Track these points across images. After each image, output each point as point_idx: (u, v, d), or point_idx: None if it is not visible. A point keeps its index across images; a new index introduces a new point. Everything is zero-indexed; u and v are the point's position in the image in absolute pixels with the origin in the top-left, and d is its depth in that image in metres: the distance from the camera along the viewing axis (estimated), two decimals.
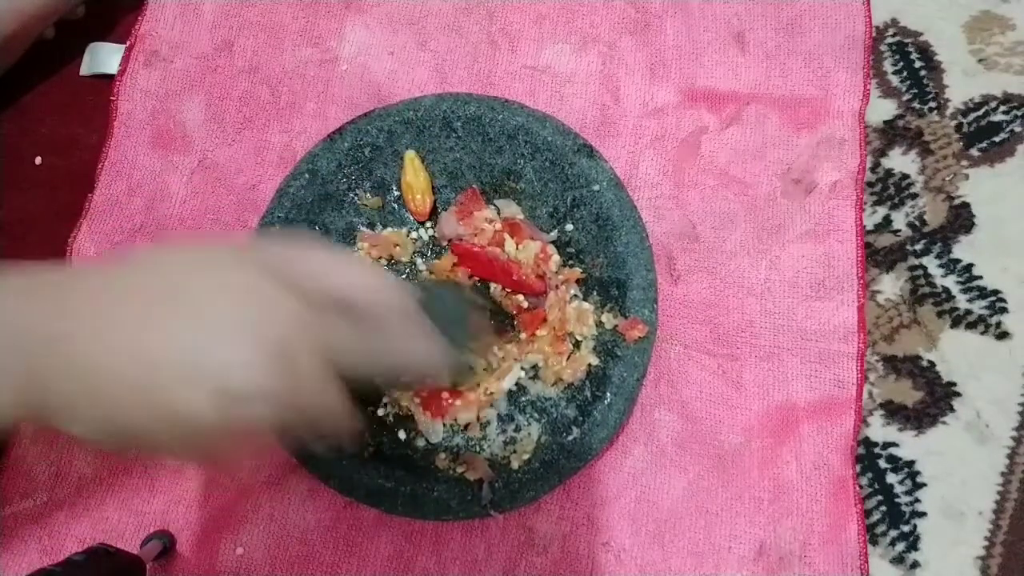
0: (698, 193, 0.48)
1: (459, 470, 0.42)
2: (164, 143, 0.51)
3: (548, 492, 0.41)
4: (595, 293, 0.45)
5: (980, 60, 0.51)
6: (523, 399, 0.45)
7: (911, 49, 0.52)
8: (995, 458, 0.45)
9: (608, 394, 0.42)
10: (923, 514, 0.44)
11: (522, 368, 0.45)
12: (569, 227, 0.46)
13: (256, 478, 0.45)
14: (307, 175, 0.45)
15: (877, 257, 0.48)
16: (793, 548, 0.43)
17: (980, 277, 0.47)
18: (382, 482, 0.41)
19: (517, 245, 0.46)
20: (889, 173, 0.50)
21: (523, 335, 0.45)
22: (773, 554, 0.43)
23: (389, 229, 0.48)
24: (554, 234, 0.46)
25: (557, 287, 0.45)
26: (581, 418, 0.42)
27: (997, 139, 0.50)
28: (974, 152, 0.50)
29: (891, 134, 0.50)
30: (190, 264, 0.30)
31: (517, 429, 0.44)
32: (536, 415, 0.44)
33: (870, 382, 0.46)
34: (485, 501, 0.40)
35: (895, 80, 0.51)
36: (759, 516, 0.43)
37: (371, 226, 0.48)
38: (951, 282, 0.47)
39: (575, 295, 0.46)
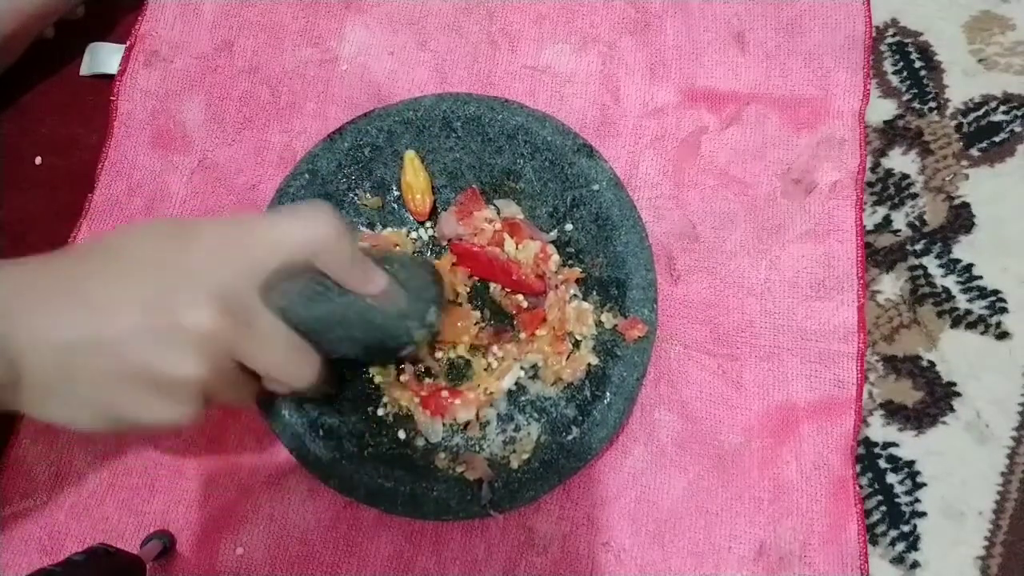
0: (698, 193, 0.48)
1: (459, 470, 0.42)
2: (164, 143, 0.51)
3: (548, 492, 0.41)
4: (595, 293, 0.45)
5: (980, 60, 0.51)
6: (523, 399, 0.45)
7: (911, 49, 0.52)
8: (995, 458, 0.45)
9: (608, 394, 0.42)
10: (923, 514, 0.44)
11: (522, 368, 0.45)
12: (569, 227, 0.46)
13: (256, 478, 0.45)
14: (307, 175, 0.45)
15: (877, 257, 0.48)
16: (793, 548, 0.43)
17: (980, 277, 0.47)
18: (382, 482, 0.41)
19: (517, 245, 0.46)
20: (889, 173, 0.50)
21: (523, 335, 0.45)
22: (773, 554, 0.43)
23: (389, 229, 0.48)
24: (554, 234, 0.46)
25: (557, 287, 0.45)
26: (581, 418, 0.42)
27: (997, 139, 0.50)
28: (974, 152, 0.50)
29: (891, 134, 0.50)
30: (133, 233, 0.33)
31: (517, 429, 0.44)
32: (536, 415, 0.44)
33: (870, 382, 0.46)
34: (485, 501, 0.40)
35: (895, 80, 0.51)
36: (759, 516, 0.43)
37: (371, 226, 0.48)
38: (951, 282, 0.47)
39: (575, 295, 0.46)
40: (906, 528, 0.44)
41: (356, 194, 0.47)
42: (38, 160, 0.52)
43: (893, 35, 0.52)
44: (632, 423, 0.45)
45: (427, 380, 0.45)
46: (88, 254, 0.32)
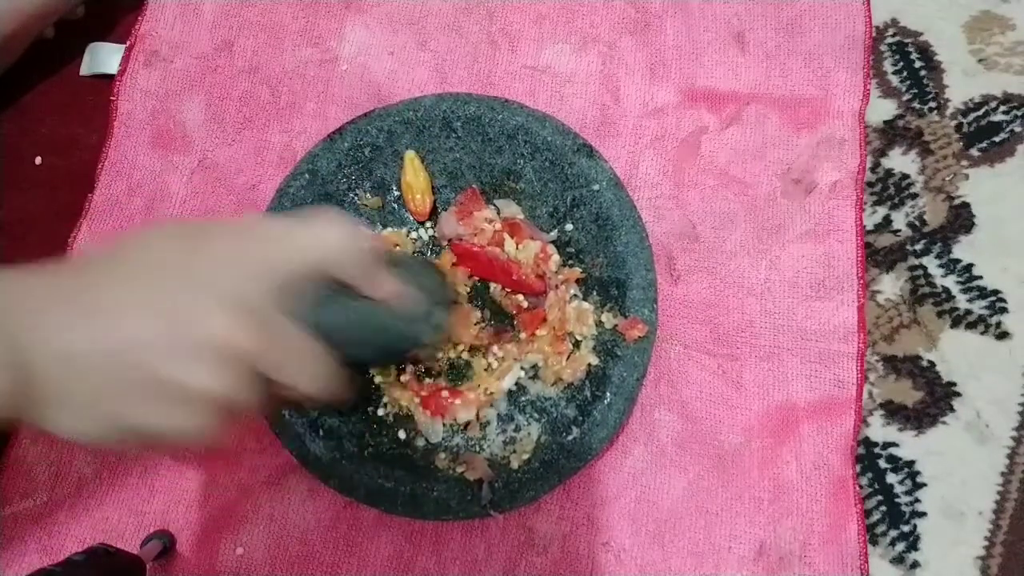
0: (698, 193, 0.48)
1: (459, 470, 0.42)
2: (164, 143, 0.51)
3: (548, 492, 0.41)
4: (595, 293, 0.45)
5: (980, 60, 0.51)
6: (523, 399, 0.45)
7: (911, 49, 0.52)
8: (995, 458, 0.45)
9: (608, 394, 0.42)
10: (923, 514, 0.44)
11: (522, 368, 0.45)
12: (569, 227, 0.46)
13: (256, 478, 0.45)
14: (307, 175, 0.45)
15: (877, 257, 0.48)
16: (793, 548, 0.43)
17: (980, 277, 0.47)
18: (382, 482, 0.41)
19: (517, 245, 0.46)
20: (889, 173, 0.50)
21: (523, 335, 0.45)
22: (773, 554, 0.43)
23: (389, 229, 0.48)
24: (554, 234, 0.46)
25: (557, 287, 0.45)
26: (581, 418, 0.42)
27: (997, 139, 0.50)
28: (974, 152, 0.50)
29: (891, 134, 0.50)
30: (147, 239, 0.32)
31: (517, 429, 0.44)
32: (536, 415, 0.44)
33: (870, 382, 0.46)
34: (485, 501, 0.40)
35: (895, 80, 0.51)
36: (759, 516, 0.43)
37: (371, 226, 0.48)
38: (951, 282, 0.47)
39: (575, 295, 0.46)
40: (906, 528, 0.44)
41: (356, 194, 0.47)
42: (38, 160, 0.52)
43: (893, 35, 0.52)
44: (632, 423, 0.45)
45: (427, 380, 0.45)
46: (102, 262, 0.31)
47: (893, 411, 0.46)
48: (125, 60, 0.52)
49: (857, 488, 0.43)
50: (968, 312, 0.47)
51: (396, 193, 0.48)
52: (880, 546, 0.44)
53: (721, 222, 0.48)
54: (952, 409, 0.45)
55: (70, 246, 0.49)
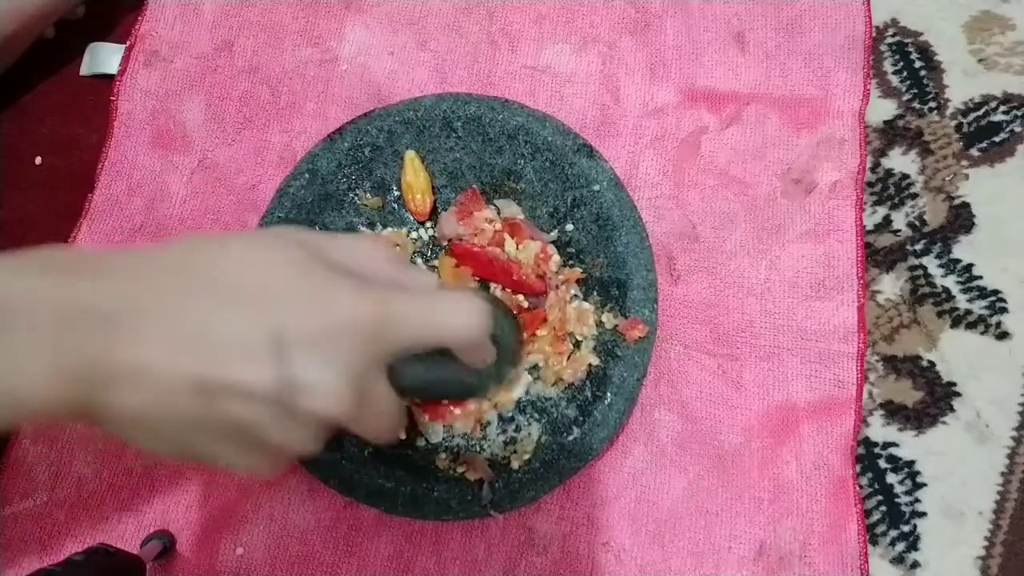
0: (698, 193, 0.48)
1: (459, 470, 0.42)
2: (164, 143, 0.51)
3: (548, 492, 0.41)
4: (595, 293, 0.45)
5: (980, 60, 0.51)
6: (523, 399, 0.45)
7: (911, 49, 0.52)
8: (995, 458, 0.45)
9: (608, 394, 0.42)
10: (923, 514, 0.44)
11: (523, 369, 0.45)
12: (569, 227, 0.46)
13: (256, 478, 0.45)
14: (307, 175, 0.45)
15: (877, 257, 0.48)
16: (793, 548, 0.43)
17: (980, 277, 0.47)
18: (382, 482, 0.41)
19: (517, 245, 0.46)
20: (889, 173, 0.50)
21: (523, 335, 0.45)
22: (773, 554, 0.43)
23: (389, 229, 0.48)
24: (554, 234, 0.46)
25: (557, 287, 0.45)
26: (581, 418, 0.42)
27: (997, 139, 0.50)
28: (974, 152, 0.50)
29: (891, 134, 0.50)
30: (247, 251, 0.28)
31: (517, 429, 0.44)
32: (536, 415, 0.44)
33: (870, 382, 0.46)
34: (485, 501, 0.40)
35: (895, 80, 0.51)
36: (759, 516, 0.43)
37: (371, 226, 0.48)
38: (951, 282, 0.47)
39: (575, 295, 0.46)
40: (906, 528, 0.44)
41: (356, 194, 0.47)
42: (38, 160, 0.52)
43: (893, 35, 0.52)
44: (632, 423, 0.45)
45: None
46: (204, 265, 0.27)
47: (893, 411, 0.46)
48: (125, 60, 0.52)
49: (857, 488, 0.43)
50: (968, 312, 0.47)
51: (396, 193, 0.48)
52: (880, 546, 0.44)
53: (721, 222, 0.48)
54: (952, 409, 0.45)
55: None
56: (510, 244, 0.46)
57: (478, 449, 0.44)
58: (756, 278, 0.47)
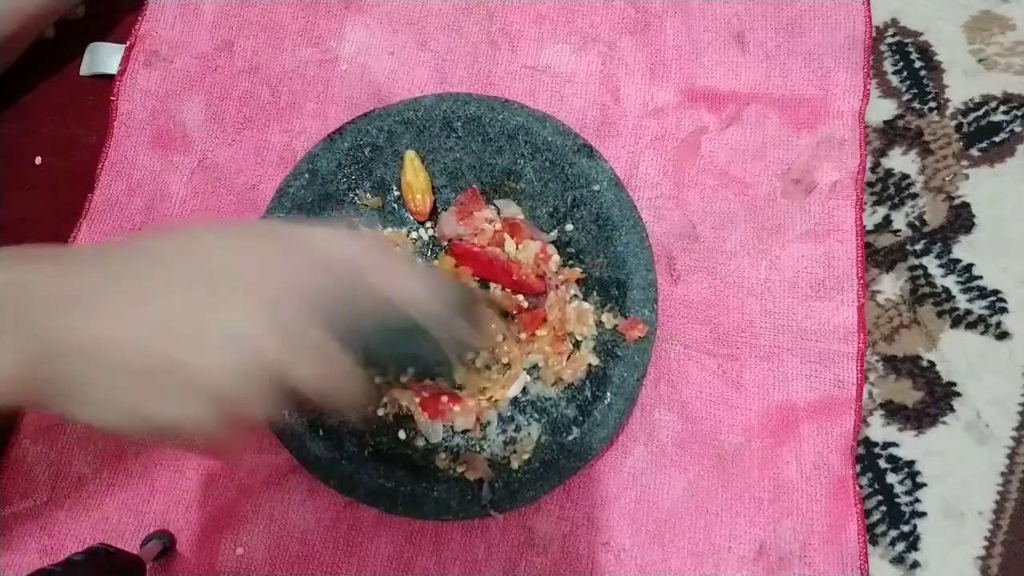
0: (698, 193, 0.48)
1: (459, 470, 0.42)
2: (164, 143, 0.51)
3: (548, 492, 0.41)
4: (595, 293, 0.45)
5: (980, 60, 0.51)
6: (523, 399, 0.45)
7: (911, 49, 0.52)
8: (995, 458, 0.45)
9: (608, 394, 0.42)
10: (923, 514, 0.44)
11: (523, 369, 0.45)
12: (569, 227, 0.46)
13: (256, 478, 0.45)
14: (307, 175, 0.45)
15: (877, 257, 0.48)
16: (793, 548, 0.43)
17: (980, 277, 0.47)
18: (382, 482, 0.41)
19: (517, 245, 0.46)
20: (889, 173, 0.50)
21: (523, 335, 0.45)
22: (773, 554, 0.43)
23: (389, 229, 0.48)
24: (554, 234, 0.46)
25: (557, 287, 0.45)
26: (581, 418, 0.42)
27: (997, 139, 0.50)
28: (974, 152, 0.50)
29: (891, 134, 0.50)
30: (196, 236, 0.31)
31: (517, 429, 0.44)
32: (536, 415, 0.44)
33: (870, 382, 0.46)
34: (485, 501, 0.40)
35: (895, 80, 0.51)
36: (759, 516, 0.43)
37: (371, 226, 0.48)
38: (951, 282, 0.47)
39: (575, 295, 0.46)
40: (906, 528, 0.44)
41: (356, 194, 0.47)
42: (38, 160, 0.52)
43: (893, 35, 0.52)
44: (632, 423, 0.45)
45: (428, 381, 0.45)
46: (136, 252, 0.30)
47: (893, 411, 0.46)
48: (125, 60, 0.52)
49: (857, 488, 0.43)
50: (968, 312, 0.47)
51: (396, 193, 0.48)
52: (880, 546, 0.44)
53: (721, 222, 0.48)
54: (952, 409, 0.45)
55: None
56: (510, 244, 0.46)
57: (478, 449, 0.44)
58: (756, 278, 0.47)
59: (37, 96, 0.53)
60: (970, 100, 0.51)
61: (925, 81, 0.51)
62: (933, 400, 0.46)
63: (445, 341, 0.35)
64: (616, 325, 0.43)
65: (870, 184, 0.49)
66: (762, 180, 0.48)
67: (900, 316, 0.47)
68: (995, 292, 0.47)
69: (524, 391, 0.45)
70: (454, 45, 0.52)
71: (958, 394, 0.46)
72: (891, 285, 0.48)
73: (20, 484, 0.45)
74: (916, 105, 0.51)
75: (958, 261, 0.48)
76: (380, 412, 0.45)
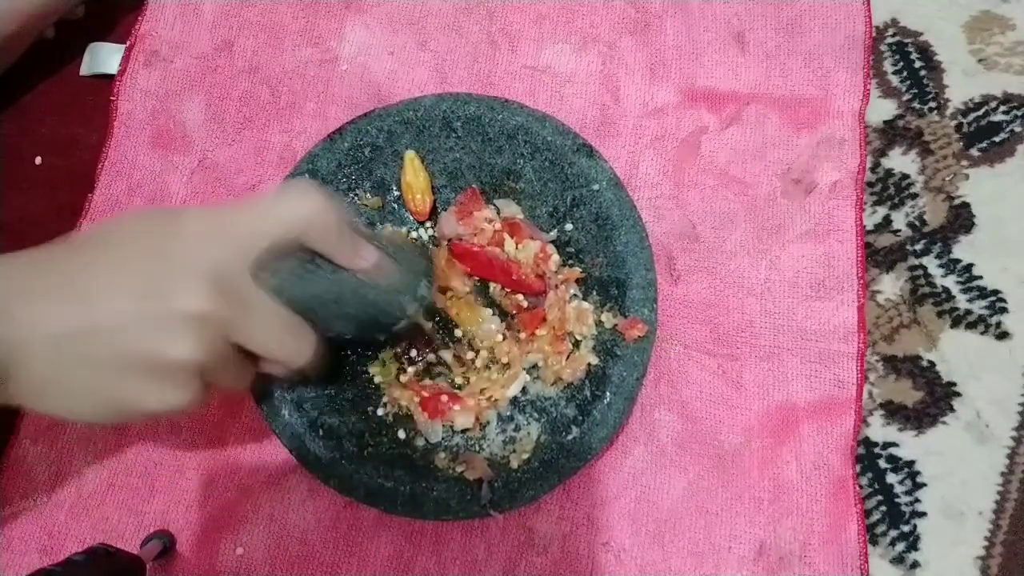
0: (698, 193, 0.48)
1: (458, 469, 0.42)
2: (164, 143, 0.51)
3: (548, 492, 0.41)
4: (595, 293, 0.45)
5: (980, 60, 0.51)
6: (523, 399, 0.45)
7: (911, 49, 0.52)
8: (995, 458, 0.45)
9: (608, 393, 0.42)
10: (923, 514, 0.44)
11: (523, 369, 0.45)
12: (569, 227, 0.46)
13: (256, 478, 0.45)
14: (307, 175, 0.45)
15: (877, 257, 0.48)
16: (793, 548, 0.43)
17: (980, 277, 0.47)
18: (382, 482, 0.41)
19: (517, 245, 0.46)
20: (889, 173, 0.50)
21: (523, 335, 0.45)
22: (773, 554, 0.43)
23: (389, 227, 0.48)
24: (554, 234, 0.46)
25: (557, 287, 0.45)
26: (581, 417, 0.42)
27: (997, 139, 0.50)
28: (974, 152, 0.50)
29: (891, 134, 0.50)
30: (122, 223, 0.33)
31: (517, 429, 0.44)
32: (536, 415, 0.44)
33: (870, 382, 0.46)
34: (485, 501, 0.40)
35: (895, 80, 0.51)
36: (759, 516, 0.43)
37: (371, 226, 0.48)
38: (951, 282, 0.47)
39: (575, 295, 0.46)
40: (906, 528, 0.44)
41: (356, 194, 0.47)
42: (38, 160, 0.52)
43: (893, 35, 0.52)
44: (632, 423, 0.45)
45: (428, 380, 0.45)
46: (79, 246, 0.33)
47: (893, 411, 0.46)
48: (125, 60, 0.52)
49: (857, 488, 0.43)
50: (968, 312, 0.47)
51: (396, 193, 0.48)
52: (880, 546, 0.44)
53: (721, 222, 0.48)
54: (952, 409, 0.45)
55: None
56: (510, 244, 0.46)
57: (477, 448, 0.44)
58: (756, 278, 0.47)
59: (37, 96, 0.53)
60: (970, 100, 0.51)
61: (925, 81, 0.51)
62: (933, 400, 0.46)
63: (396, 288, 0.37)
64: (616, 325, 0.43)
65: (870, 184, 0.49)
66: (762, 180, 0.48)
67: (900, 316, 0.47)
68: (995, 292, 0.47)
69: (524, 391, 0.45)
70: (454, 45, 0.52)
71: (958, 394, 0.46)
72: (891, 285, 0.48)
73: (20, 484, 0.45)
74: (916, 105, 0.51)
75: (958, 261, 0.48)
76: (380, 412, 0.45)
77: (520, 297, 0.45)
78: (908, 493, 0.44)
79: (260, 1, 0.53)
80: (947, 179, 0.49)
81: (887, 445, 0.45)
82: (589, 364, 0.43)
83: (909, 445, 0.45)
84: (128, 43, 0.52)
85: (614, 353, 0.43)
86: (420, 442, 0.44)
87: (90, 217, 0.49)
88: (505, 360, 0.45)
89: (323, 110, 0.51)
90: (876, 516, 0.44)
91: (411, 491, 0.41)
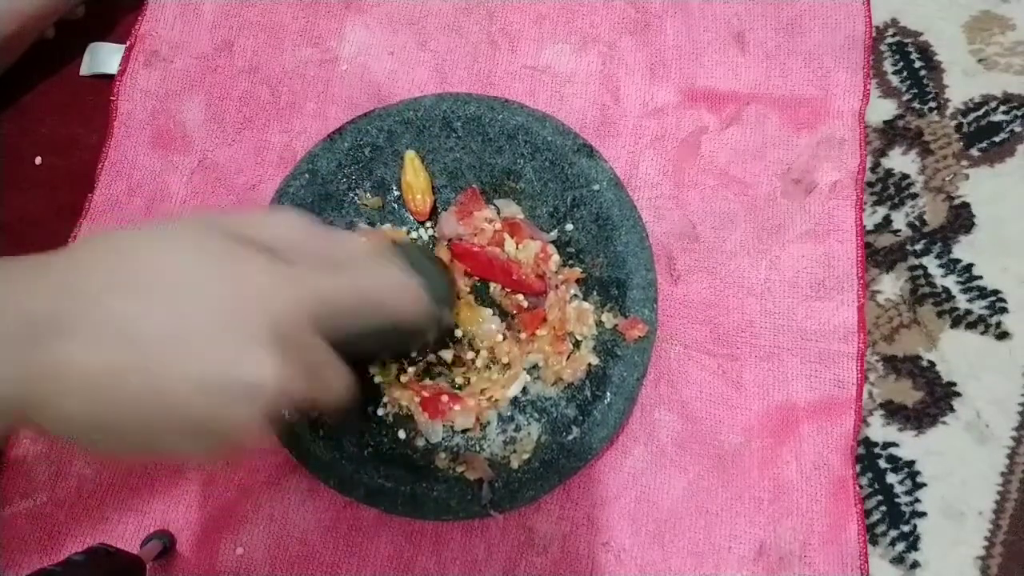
0: (698, 193, 0.48)
1: (459, 470, 0.42)
2: (164, 143, 0.51)
3: (548, 492, 0.41)
4: (595, 293, 0.45)
5: (980, 60, 0.51)
6: (523, 399, 0.45)
7: (911, 49, 0.52)
8: (995, 458, 0.45)
9: (608, 394, 0.42)
10: (923, 514, 0.44)
11: (523, 369, 0.45)
12: (569, 227, 0.46)
13: (256, 478, 0.45)
14: (307, 175, 0.46)
15: (877, 257, 0.48)
16: (793, 548, 0.43)
17: (980, 277, 0.47)
18: (382, 482, 0.41)
19: (517, 245, 0.46)
20: (889, 173, 0.50)
21: (523, 335, 0.45)
22: (773, 554, 0.43)
23: (388, 226, 0.48)
24: (554, 234, 0.46)
25: (557, 287, 0.45)
26: (581, 418, 0.42)
27: (997, 139, 0.50)
28: (974, 152, 0.50)
29: (891, 134, 0.50)
30: (163, 244, 0.29)
31: (517, 429, 0.44)
32: (536, 415, 0.44)
33: (870, 382, 0.46)
34: (485, 501, 0.40)
35: (895, 80, 0.51)
36: (759, 516, 0.43)
37: (371, 226, 0.48)
38: (951, 282, 0.47)
39: (575, 295, 0.46)
40: (906, 528, 0.44)
41: (356, 194, 0.47)
42: (38, 160, 0.52)
43: (893, 35, 0.52)
44: (632, 423, 0.45)
45: (428, 380, 0.45)
46: (123, 271, 0.28)
47: (893, 411, 0.46)
48: (125, 60, 0.52)
49: (857, 488, 0.43)
50: (968, 312, 0.47)
51: (396, 193, 0.48)
52: (880, 546, 0.44)
53: (721, 222, 0.48)
54: (952, 409, 0.45)
55: None
56: (510, 244, 0.46)
57: (477, 449, 0.44)
58: (756, 278, 0.47)
59: (37, 96, 0.53)
60: (970, 100, 0.51)
61: (925, 81, 0.51)
62: (933, 400, 0.46)
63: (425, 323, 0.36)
64: (616, 325, 0.43)
65: (870, 184, 0.49)
66: (762, 180, 0.48)
67: (900, 316, 0.47)
68: (995, 292, 0.47)
69: (524, 391, 0.45)
70: (454, 45, 0.52)
71: (958, 394, 0.46)
72: (891, 285, 0.48)
73: (20, 484, 0.45)
74: (916, 105, 0.51)
75: (958, 261, 0.48)
76: (380, 412, 0.45)
77: (520, 297, 0.45)
78: (908, 493, 0.44)
79: (260, 1, 0.53)
80: (947, 179, 0.49)
81: (887, 445, 0.45)
82: (589, 364, 0.43)
83: (909, 445, 0.45)
84: (128, 43, 0.52)
85: (614, 353, 0.43)
86: (420, 442, 0.44)
87: (90, 217, 0.49)
88: (505, 360, 0.45)
89: (323, 110, 0.51)
90: (876, 516, 0.44)
91: (411, 491, 0.41)
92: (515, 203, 0.47)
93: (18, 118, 0.52)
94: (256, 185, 0.50)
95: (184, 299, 0.27)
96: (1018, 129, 0.50)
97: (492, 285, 0.46)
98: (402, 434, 0.44)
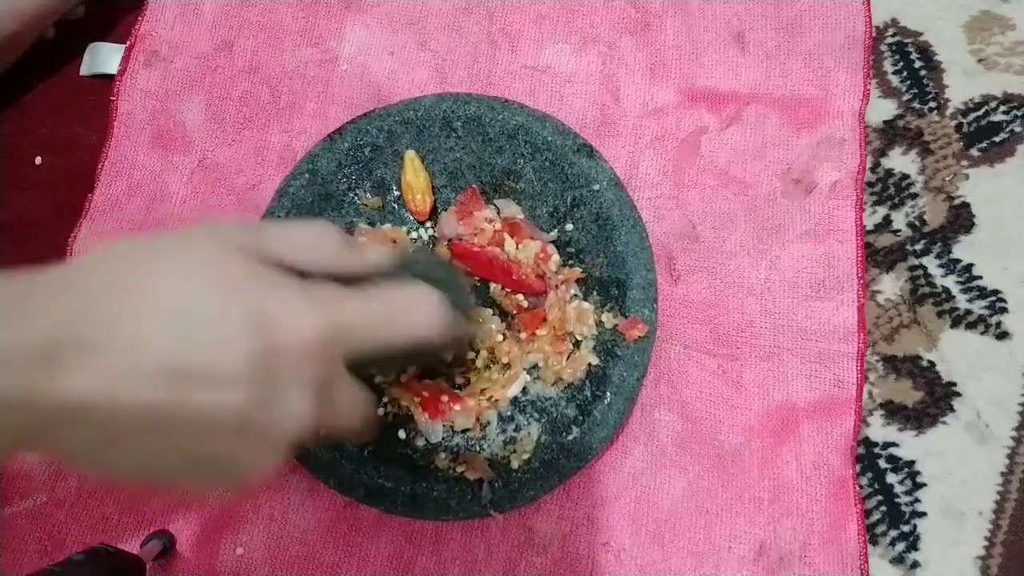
0: (698, 193, 0.48)
1: (459, 470, 0.42)
2: (164, 143, 0.51)
3: (548, 492, 0.41)
4: (595, 293, 0.45)
5: (980, 60, 0.51)
6: (523, 399, 0.45)
7: (911, 49, 0.52)
8: (995, 458, 0.45)
9: (608, 394, 0.42)
10: (923, 514, 0.44)
11: (523, 369, 0.45)
12: (569, 227, 0.46)
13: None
14: (307, 175, 0.46)
15: (877, 257, 0.48)
16: (793, 548, 0.43)
17: (980, 277, 0.47)
18: (382, 482, 0.41)
19: (517, 245, 0.46)
20: (889, 173, 0.50)
21: (523, 335, 0.45)
22: (773, 554, 0.43)
23: (388, 226, 0.48)
24: (554, 234, 0.46)
25: (557, 287, 0.45)
26: (581, 418, 0.42)
27: (997, 139, 0.50)
28: (974, 152, 0.50)
29: (891, 134, 0.50)
30: (178, 266, 0.26)
31: (517, 429, 0.44)
32: (536, 415, 0.44)
33: (870, 382, 0.46)
34: (485, 501, 0.40)
35: (895, 80, 0.51)
36: (759, 516, 0.43)
37: (371, 226, 0.48)
38: (951, 282, 0.47)
39: (575, 295, 0.46)
40: (906, 528, 0.44)
41: (356, 194, 0.47)
42: (38, 160, 0.52)
43: (893, 35, 0.52)
44: (632, 423, 0.45)
45: (428, 380, 0.45)
46: (143, 294, 0.25)
47: (893, 411, 0.46)
48: (125, 60, 0.52)
49: (857, 488, 0.43)
50: (968, 312, 0.47)
51: (396, 193, 0.48)
52: (880, 546, 0.44)
53: (721, 222, 0.48)
54: (952, 409, 0.45)
55: (70, 246, 0.49)
56: (510, 244, 0.46)
57: (478, 449, 0.44)
58: (756, 278, 0.47)
59: (37, 96, 0.53)
60: (970, 100, 0.51)
61: (925, 81, 0.51)
62: (933, 400, 0.46)
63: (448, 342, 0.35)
64: (616, 325, 0.43)
65: (870, 184, 0.49)
66: (762, 180, 0.48)
67: (900, 316, 0.47)
68: (995, 292, 0.47)
69: (524, 391, 0.45)
70: (454, 45, 0.52)
71: (958, 394, 0.46)
72: (891, 285, 0.48)
73: (20, 484, 0.45)
74: (916, 105, 0.51)
75: (958, 261, 0.48)
76: (380, 412, 0.45)
77: (520, 297, 0.45)
78: (908, 493, 0.44)
79: (260, 1, 0.53)
80: (947, 179, 0.49)
81: (887, 445, 0.45)
82: (589, 364, 0.43)
83: (909, 445, 0.45)
84: (128, 43, 0.52)
85: (614, 353, 0.43)
86: (420, 442, 0.44)
87: (90, 217, 0.49)
88: (505, 360, 0.45)
89: (323, 110, 0.51)
90: (876, 516, 0.44)
91: (411, 491, 0.41)
92: (515, 203, 0.47)
93: (18, 118, 0.52)
94: (256, 185, 0.50)
95: (203, 331, 0.25)
96: (1018, 129, 0.50)
97: (492, 285, 0.46)
98: (402, 434, 0.44)
